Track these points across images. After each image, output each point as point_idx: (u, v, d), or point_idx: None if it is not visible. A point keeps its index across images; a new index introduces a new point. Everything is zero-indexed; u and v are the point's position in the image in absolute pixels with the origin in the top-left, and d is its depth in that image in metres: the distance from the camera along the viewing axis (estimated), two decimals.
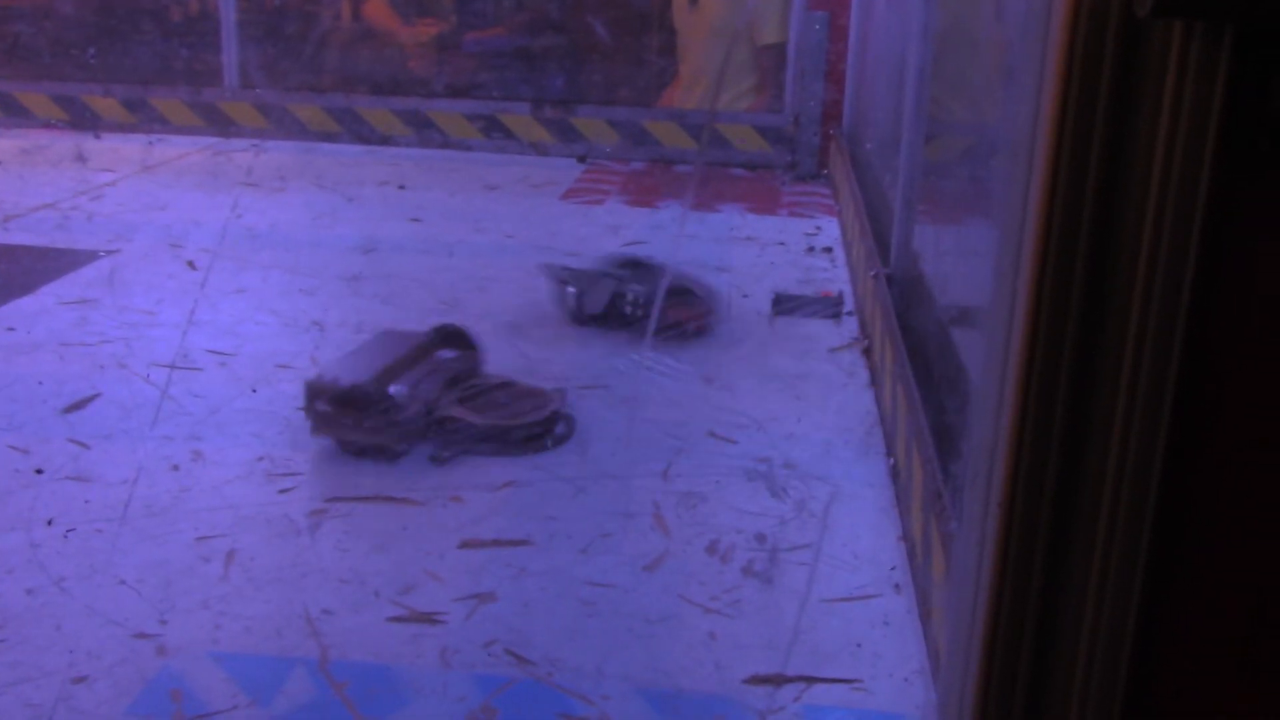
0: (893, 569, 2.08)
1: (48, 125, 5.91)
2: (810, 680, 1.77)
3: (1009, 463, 0.60)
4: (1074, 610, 0.61)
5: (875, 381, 2.90)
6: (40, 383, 2.75)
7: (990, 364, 0.61)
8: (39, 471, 2.31)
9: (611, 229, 4.35)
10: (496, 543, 2.11)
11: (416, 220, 4.37)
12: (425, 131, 5.73)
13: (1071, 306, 0.59)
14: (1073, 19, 0.57)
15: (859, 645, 1.86)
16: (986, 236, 2.29)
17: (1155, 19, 0.58)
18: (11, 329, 3.10)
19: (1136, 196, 0.59)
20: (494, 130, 5.68)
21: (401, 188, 4.91)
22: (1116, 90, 0.57)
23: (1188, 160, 0.59)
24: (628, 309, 3.08)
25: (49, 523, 2.12)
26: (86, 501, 2.21)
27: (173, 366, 2.87)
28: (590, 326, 3.19)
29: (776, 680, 1.77)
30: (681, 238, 4.28)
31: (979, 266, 2.21)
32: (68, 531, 2.10)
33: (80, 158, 5.31)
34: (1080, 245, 0.58)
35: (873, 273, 3.14)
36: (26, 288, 3.43)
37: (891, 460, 2.45)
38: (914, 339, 2.60)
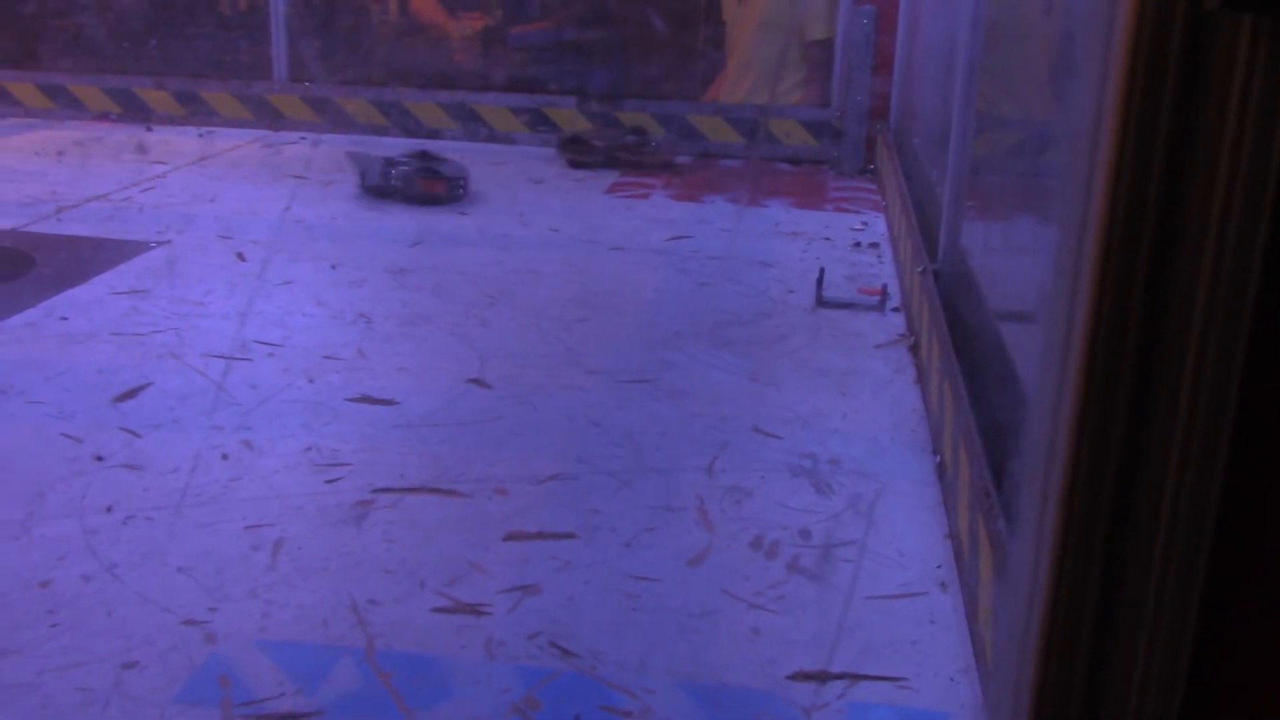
0: (939, 567, 2.07)
1: (101, 117, 5.99)
2: (855, 677, 1.76)
3: (1068, 460, 0.59)
4: (1133, 610, 0.61)
5: (922, 378, 2.88)
6: (93, 372, 2.79)
7: (1049, 360, 0.60)
8: (99, 459, 2.34)
9: (657, 223, 4.35)
10: (541, 535, 2.12)
11: (463, 214, 4.39)
12: (471, 125, 5.75)
13: (1134, 303, 0.58)
14: (1138, 11, 0.56)
15: (904, 643, 1.85)
16: (1037, 233, 2.27)
17: (1224, 12, 0.57)
18: (65, 318, 3.14)
19: (1202, 194, 0.58)
20: (540, 124, 5.69)
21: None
22: (1182, 85, 0.56)
23: (1255, 157, 0.58)
24: (393, 183, 4.48)
25: (108, 510, 2.15)
26: (139, 490, 2.23)
27: (222, 357, 2.90)
28: (373, 197, 4.52)
29: (821, 677, 1.76)
30: (737, 233, 4.27)
31: (1029, 263, 2.19)
32: (127, 519, 2.12)
33: (132, 150, 5.37)
34: (1144, 242, 0.58)
35: (920, 268, 3.12)
36: (80, 278, 3.48)
37: (938, 457, 2.44)
38: (961, 335, 2.58)
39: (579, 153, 5.28)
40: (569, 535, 2.12)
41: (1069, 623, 0.61)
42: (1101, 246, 0.57)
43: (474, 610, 1.89)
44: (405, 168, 4.49)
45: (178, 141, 5.58)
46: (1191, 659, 0.62)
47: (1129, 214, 0.57)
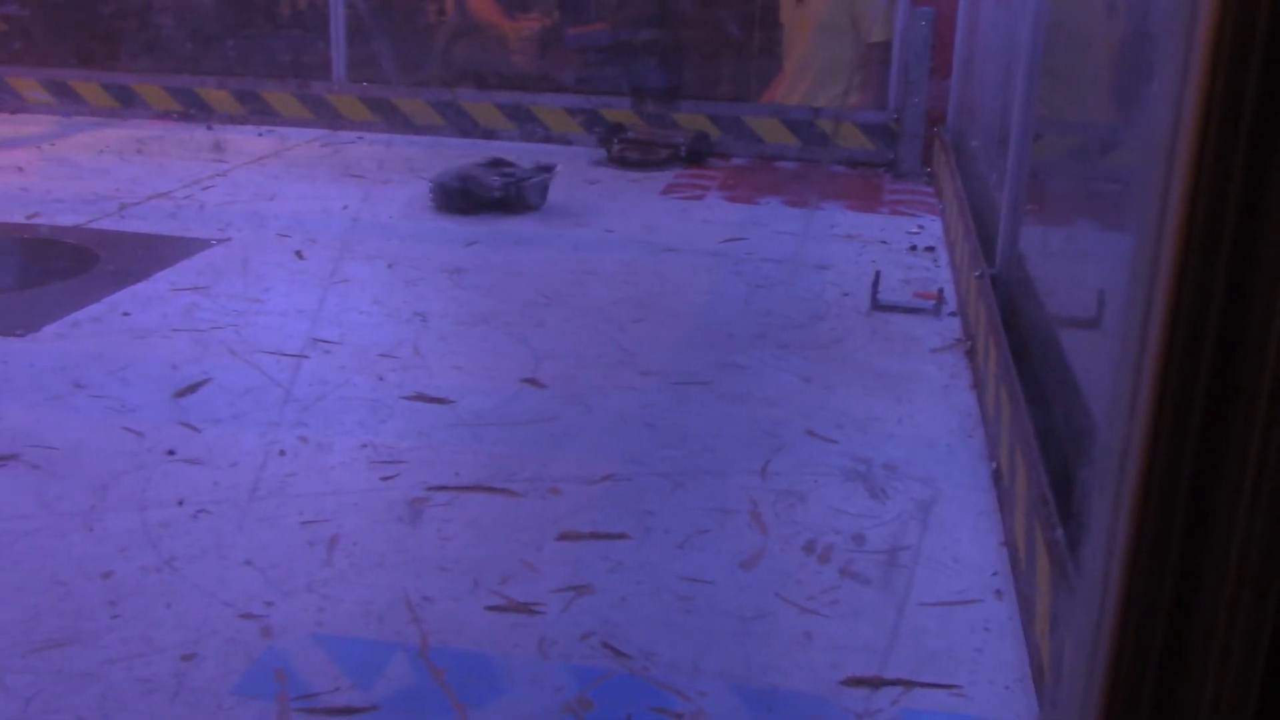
0: (994, 574, 2.05)
1: (163, 116, 6.08)
2: (909, 684, 1.75)
3: (1142, 469, 0.58)
4: (1207, 620, 0.60)
5: (978, 383, 2.86)
6: (154, 367, 2.83)
7: (1123, 367, 0.59)
8: (170, 453, 2.38)
9: (711, 224, 4.34)
10: (594, 535, 2.12)
11: (518, 214, 4.41)
12: (528, 125, 5.78)
13: (1213, 309, 0.57)
14: (1220, 12, 0.55)
15: (959, 650, 1.83)
16: (1099, 238, 2.24)
17: None
18: (127, 314, 3.19)
19: None
20: (595, 124, 5.70)
21: None
22: (1265, 85, 0.55)
23: None
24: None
25: (180, 503, 2.18)
26: (198, 484, 2.26)
27: (280, 354, 2.93)
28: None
29: (874, 683, 1.75)
30: (792, 235, 4.24)
31: (1091, 269, 2.16)
32: (187, 513, 2.15)
33: (193, 149, 5.45)
34: (1223, 246, 0.56)
35: (977, 273, 3.09)
36: (141, 274, 3.53)
37: (994, 464, 2.41)
38: (1019, 341, 2.56)
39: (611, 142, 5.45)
40: (622, 536, 2.13)
41: (1141, 632, 0.60)
42: (1180, 251, 0.56)
43: (527, 609, 1.90)
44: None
45: (238, 140, 5.66)
46: (1266, 671, 0.60)
47: (1208, 218, 0.56)
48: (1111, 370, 0.61)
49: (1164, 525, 0.59)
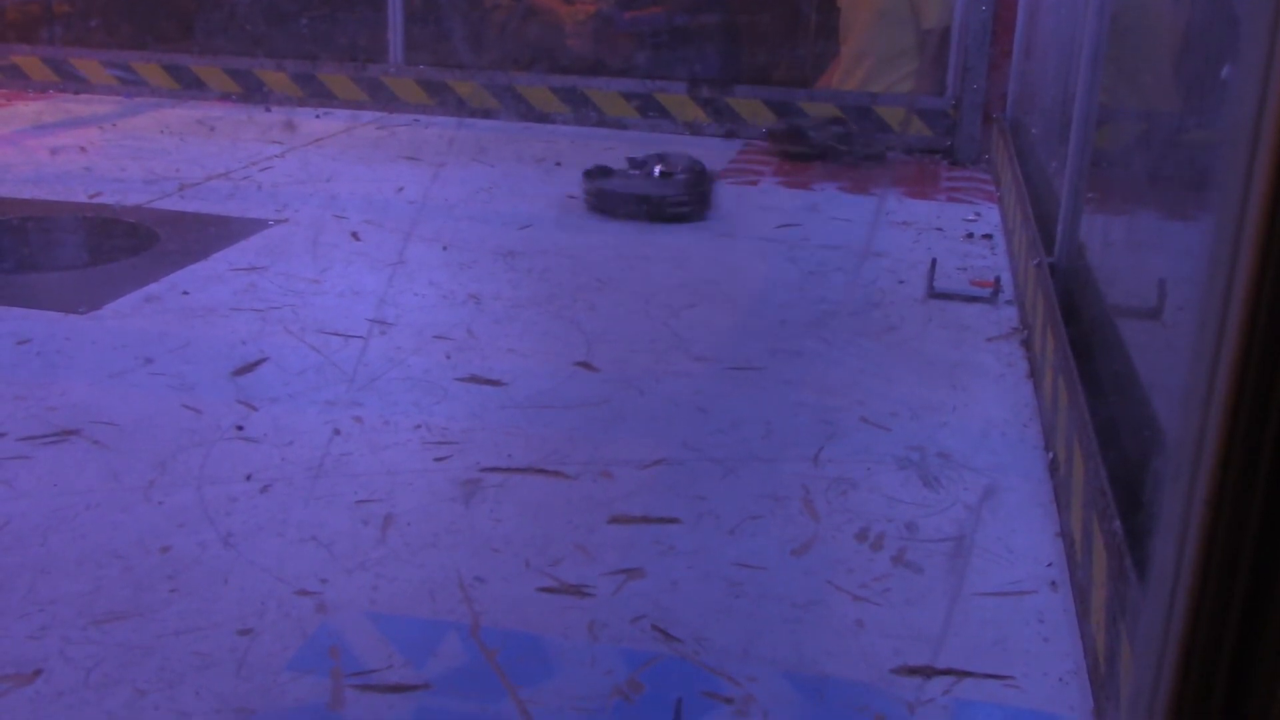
0: (1049, 565, 2.03)
1: (223, 98, 6.14)
2: (961, 674, 1.74)
3: (1218, 459, 0.57)
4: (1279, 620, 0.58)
5: (1035, 372, 2.82)
6: (213, 345, 2.86)
7: (1200, 356, 0.58)
8: (239, 428, 2.41)
9: (766, 210, 4.32)
10: (645, 519, 2.13)
11: (572, 197, 4.41)
12: (582, 109, 5.77)
13: None
14: None
15: (1012, 641, 1.82)
16: (1163, 228, 2.21)
17: None
18: (186, 293, 3.23)
19: None
20: (650, 109, 5.69)
21: (558, 164, 4.97)
22: None
23: None
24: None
25: (248, 478, 2.21)
26: (255, 462, 2.29)
27: (336, 334, 2.96)
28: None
29: (926, 672, 1.74)
30: (848, 221, 4.21)
31: (1154, 258, 2.13)
32: (244, 489, 2.18)
33: (252, 130, 5.50)
34: None
35: (1035, 261, 3.06)
36: (201, 254, 3.57)
37: (1050, 454, 2.39)
38: (1078, 330, 2.52)
39: (794, 144, 5.14)
40: (673, 520, 2.13)
41: (1212, 628, 0.59)
42: (1261, 240, 0.55)
43: (578, 591, 1.90)
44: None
45: (296, 122, 5.70)
46: None
47: None
48: (1186, 360, 0.60)
49: (1238, 519, 0.58)
